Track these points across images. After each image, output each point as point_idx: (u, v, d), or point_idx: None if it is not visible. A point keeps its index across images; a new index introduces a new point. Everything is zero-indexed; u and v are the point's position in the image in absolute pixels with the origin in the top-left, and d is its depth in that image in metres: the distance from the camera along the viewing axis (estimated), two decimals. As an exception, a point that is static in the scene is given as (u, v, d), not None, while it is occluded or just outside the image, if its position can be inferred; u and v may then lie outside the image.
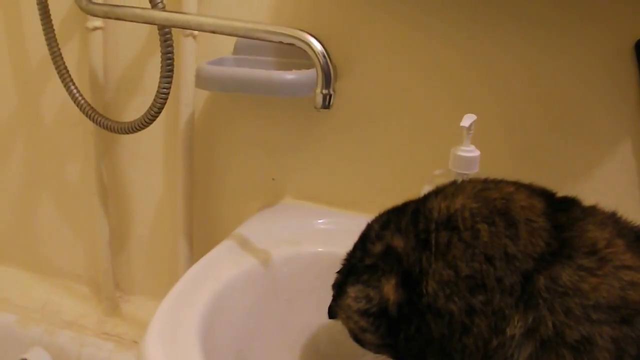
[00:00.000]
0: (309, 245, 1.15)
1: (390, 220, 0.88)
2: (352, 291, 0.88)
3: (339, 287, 0.92)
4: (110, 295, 1.59)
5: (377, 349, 0.91)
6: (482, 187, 0.82)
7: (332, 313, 0.95)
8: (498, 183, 0.84)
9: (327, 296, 0.99)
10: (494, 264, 0.75)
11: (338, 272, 0.94)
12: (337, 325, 1.00)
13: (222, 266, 1.04)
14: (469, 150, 0.99)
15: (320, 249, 1.14)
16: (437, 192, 0.85)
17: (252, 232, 1.17)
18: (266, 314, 1.08)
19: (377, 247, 0.87)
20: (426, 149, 1.21)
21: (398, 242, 0.84)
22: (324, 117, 1.26)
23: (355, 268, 0.89)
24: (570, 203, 0.81)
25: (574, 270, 0.72)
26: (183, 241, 1.41)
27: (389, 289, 0.83)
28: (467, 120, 0.97)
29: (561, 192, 0.82)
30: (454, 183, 0.87)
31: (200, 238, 1.44)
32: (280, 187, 1.35)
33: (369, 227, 0.92)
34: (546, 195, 0.82)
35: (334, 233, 1.19)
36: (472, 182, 0.86)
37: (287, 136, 1.31)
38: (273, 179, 1.35)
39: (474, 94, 1.16)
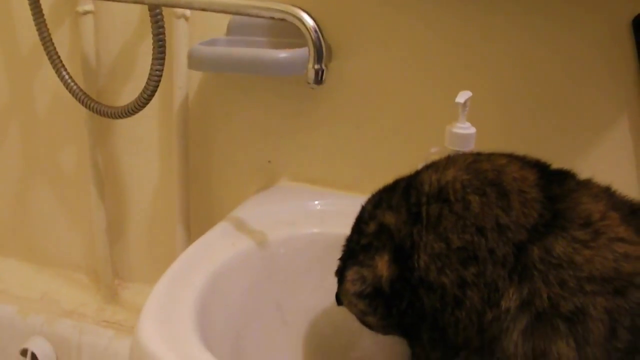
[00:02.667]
0: (305, 226, 1.15)
1: (382, 199, 0.88)
2: (349, 274, 0.88)
3: (341, 274, 0.92)
4: (109, 283, 1.58)
5: (383, 330, 0.92)
6: (474, 160, 0.82)
7: (338, 300, 0.95)
8: (490, 155, 0.83)
9: (324, 276, 0.99)
10: (485, 235, 0.75)
11: (339, 259, 0.94)
12: (335, 306, 1.00)
13: (218, 247, 1.04)
14: (465, 127, 0.98)
15: (316, 230, 1.13)
16: (429, 166, 0.85)
17: (248, 214, 1.17)
18: (263, 294, 1.08)
19: (371, 227, 0.87)
20: (422, 128, 1.20)
21: (390, 219, 0.84)
22: (320, 99, 1.25)
23: (353, 251, 0.90)
24: (564, 175, 0.81)
25: (568, 242, 0.72)
26: (180, 227, 1.41)
27: (382, 265, 0.83)
28: (462, 96, 0.96)
29: (558, 169, 0.82)
30: (446, 157, 0.86)
31: (197, 223, 1.43)
32: (276, 170, 1.34)
33: (363, 209, 0.92)
34: (540, 167, 0.81)
35: (330, 214, 1.18)
36: (464, 155, 0.86)
37: (283, 119, 1.30)
38: (269, 162, 1.34)
39: (468, 73, 1.15)
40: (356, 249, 0.88)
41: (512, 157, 0.82)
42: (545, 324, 0.70)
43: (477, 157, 0.83)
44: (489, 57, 1.13)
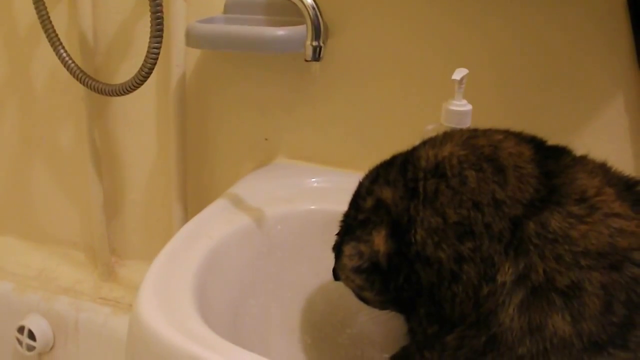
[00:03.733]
0: (303, 203, 1.15)
1: (379, 175, 0.88)
2: (347, 249, 0.88)
3: (338, 249, 0.92)
4: (106, 261, 1.59)
5: (380, 305, 0.93)
6: (470, 135, 0.83)
7: (336, 275, 0.96)
8: (487, 131, 0.84)
9: (321, 253, 0.99)
10: (481, 210, 0.75)
11: (337, 234, 0.94)
12: (332, 282, 1.01)
13: (215, 224, 1.04)
14: (461, 105, 0.99)
15: (313, 207, 1.14)
16: (426, 141, 0.86)
17: (245, 191, 1.17)
18: (260, 271, 1.08)
19: (368, 202, 0.87)
20: (418, 105, 1.21)
21: (387, 194, 0.84)
22: (317, 76, 1.26)
23: (350, 227, 0.90)
24: (560, 151, 0.82)
25: (564, 217, 0.73)
26: (177, 204, 1.41)
27: (379, 240, 0.84)
28: (459, 73, 0.97)
29: (553, 146, 0.83)
30: (443, 133, 0.87)
31: (194, 200, 1.44)
32: (273, 147, 1.34)
33: (360, 184, 0.92)
34: (535, 143, 0.82)
35: (328, 191, 1.19)
36: (461, 130, 0.86)
37: (280, 96, 1.30)
38: (266, 139, 1.34)
39: (465, 50, 1.15)
40: (353, 225, 0.89)
41: (508, 133, 0.83)
42: (541, 298, 0.71)
43: (473, 132, 0.84)
44: (486, 34, 1.13)
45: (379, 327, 1.11)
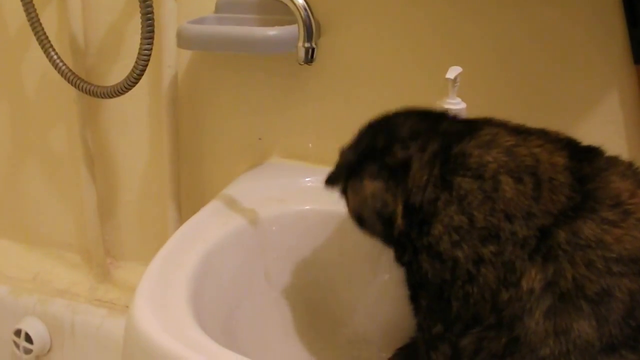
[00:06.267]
0: (297, 203, 1.14)
1: (420, 133, 0.88)
2: (371, 187, 0.89)
3: (353, 166, 0.92)
4: (101, 262, 1.58)
5: (374, 237, 0.93)
6: (515, 143, 0.81)
7: (333, 181, 0.96)
8: (526, 138, 0.83)
9: (315, 253, 0.99)
10: (512, 221, 0.76)
11: (351, 149, 0.94)
12: (327, 282, 1.00)
13: (210, 226, 1.04)
14: (455, 103, 0.98)
15: (307, 207, 1.13)
16: (473, 134, 0.84)
17: (239, 192, 1.17)
18: (255, 272, 1.08)
19: (401, 154, 0.87)
20: (412, 103, 1.20)
21: (416, 167, 0.84)
22: (309, 75, 1.25)
23: (374, 156, 0.90)
24: (594, 153, 0.82)
25: (597, 224, 0.73)
26: (171, 204, 1.41)
27: (399, 212, 0.85)
28: (453, 72, 0.97)
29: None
30: (488, 126, 0.86)
31: (188, 200, 1.43)
32: (266, 147, 1.34)
33: (400, 121, 0.93)
34: (571, 147, 0.81)
35: (322, 191, 1.17)
36: (507, 133, 0.84)
37: (273, 95, 1.30)
38: (259, 139, 1.34)
39: (459, 47, 1.15)
40: (378, 158, 0.89)
41: (546, 139, 0.82)
42: (568, 304, 0.72)
43: (517, 140, 0.82)
44: (478, 33, 1.13)
45: (376, 327, 1.11)
